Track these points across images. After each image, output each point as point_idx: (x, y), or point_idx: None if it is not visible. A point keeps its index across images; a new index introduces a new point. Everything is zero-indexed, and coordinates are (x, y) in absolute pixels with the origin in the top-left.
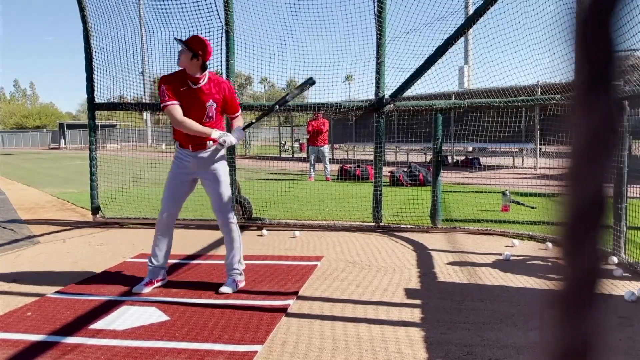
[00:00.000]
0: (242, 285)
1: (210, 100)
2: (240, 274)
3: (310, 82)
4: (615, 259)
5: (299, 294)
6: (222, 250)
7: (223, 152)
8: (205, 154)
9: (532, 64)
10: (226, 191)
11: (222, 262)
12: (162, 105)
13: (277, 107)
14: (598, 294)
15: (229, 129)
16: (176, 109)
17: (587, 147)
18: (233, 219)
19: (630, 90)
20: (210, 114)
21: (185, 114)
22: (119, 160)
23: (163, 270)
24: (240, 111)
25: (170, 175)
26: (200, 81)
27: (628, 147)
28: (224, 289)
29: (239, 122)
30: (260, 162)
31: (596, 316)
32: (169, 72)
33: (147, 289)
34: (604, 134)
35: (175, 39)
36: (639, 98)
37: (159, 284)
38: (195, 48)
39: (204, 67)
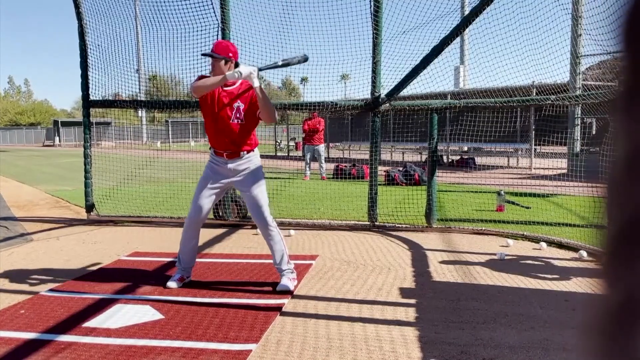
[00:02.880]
0: (295, 283)
1: (238, 101)
2: (292, 273)
3: (303, 58)
4: None
5: (294, 293)
6: (217, 248)
7: (257, 159)
8: (238, 162)
9: (528, 65)
10: (262, 198)
11: (216, 260)
12: (192, 93)
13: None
14: None
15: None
16: (196, 81)
17: (630, 162)
18: (272, 223)
19: None
20: (239, 115)
21: (213, 114)
22: (114, 157)
23: (189, 270)
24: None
25: (201, 177)
26: (233, 84)
27: None
28: (280, 287)
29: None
30: None
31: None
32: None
33: (178, 284)
34: None
35: (202, 54)
36: None
37: (186, 280)
38: (223, 53)
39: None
